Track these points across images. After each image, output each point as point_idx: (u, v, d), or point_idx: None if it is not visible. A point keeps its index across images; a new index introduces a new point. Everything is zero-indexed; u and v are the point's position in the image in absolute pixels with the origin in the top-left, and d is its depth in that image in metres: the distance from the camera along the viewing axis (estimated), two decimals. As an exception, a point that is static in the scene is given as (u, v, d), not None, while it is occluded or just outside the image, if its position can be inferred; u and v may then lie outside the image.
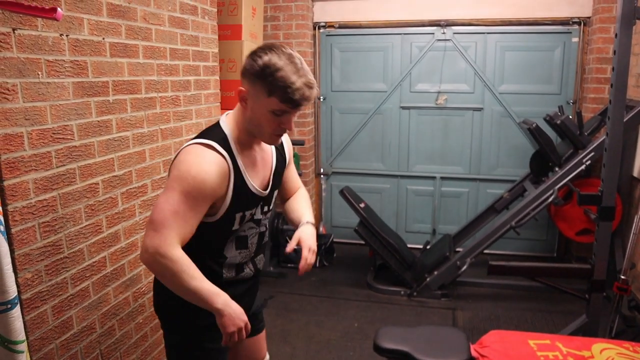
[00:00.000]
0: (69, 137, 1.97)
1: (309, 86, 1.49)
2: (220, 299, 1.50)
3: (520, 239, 4.56)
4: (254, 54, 1.51)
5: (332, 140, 5.15)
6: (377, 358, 3.01)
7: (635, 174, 3.79)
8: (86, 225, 2.08)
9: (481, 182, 4.88)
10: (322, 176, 5.18)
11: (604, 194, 2.73)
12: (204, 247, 1.65)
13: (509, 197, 4.37)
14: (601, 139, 3.62)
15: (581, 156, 3.62)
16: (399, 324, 3.44)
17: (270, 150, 1.77)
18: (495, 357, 2.27)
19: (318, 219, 5.27)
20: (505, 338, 2.43)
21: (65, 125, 1.95)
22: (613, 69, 2.63)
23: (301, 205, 1.92)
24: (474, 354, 2.32)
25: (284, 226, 4.35)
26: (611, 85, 2.66)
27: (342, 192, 4.12)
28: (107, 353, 2.26)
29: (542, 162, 4.05)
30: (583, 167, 3.61)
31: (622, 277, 3.13)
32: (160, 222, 1.46)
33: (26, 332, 1.75)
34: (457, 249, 4.24)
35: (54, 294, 1.93)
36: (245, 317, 1.56)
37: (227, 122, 1.63)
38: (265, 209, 1.78)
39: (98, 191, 2.14)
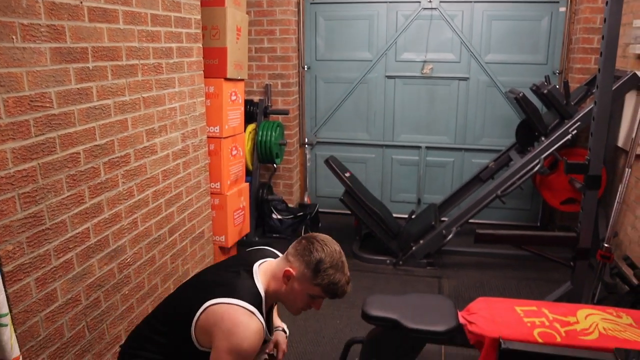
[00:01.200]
0: (47, 105, 1.89)
1: (348, 282, 1.78)
2: None
3: (504, 208, 4.60)
4: (312, 245, 1.73)
5: (317, 110, 5.09)
6: (364, 326, 3.03)
7: (619, 144, 3.82)
8: (68, 196, 2.02)
9: (466, 152, 4.89)
10: (306, 146, 5.13)
11: (591, 162, 2.75)
12: None
13: (494, 166, 4.38)
14: (588, 109, 3.63)
15: (567, 126, 3.63)
16: (386, 293, 3.45)
17: None
18: (483, 323, 2.29)
19: (303, 189, 5.25)
20: (492, 305, 2.46)
21: (44, 93, 1.87)
22: (603, 37, 2.60)
23: (275, 316, 2.14)
24: (461, 320, 2.35)
25: (269, 196, 4.32)
26: (600, 54, 2.64)
27: (327, 162, 4.09)
28: (93, 325, 2.23)
29: (528, 132, 4.05)
30: (569, 136, 3.62)
31: (606, 245, 3.19)
32: None
33: (9, 305, 1.71)
34: (443, 219, 4.26)
35: (36, 266, 1.88)
36: None
37: (262, 283, 1.76)
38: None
39: (79, 161, 2.08)
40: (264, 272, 1.80)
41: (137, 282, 2.55)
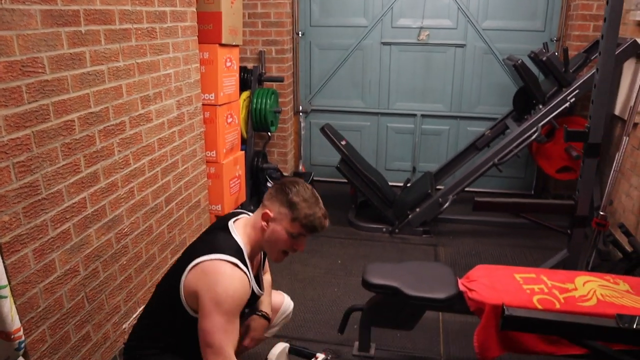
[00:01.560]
0: (39, 71, 1.82)
1: (325, 216, 1.81)
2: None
3: (498, 177, 4.59)
4: (284, 186, 1.79)
5: (311, 77, 5.00)
6: (362, 293, 3.04)
7: (616, 112, 3.81)
8: (63, 165, 1.97)
9: (462, 120, 4.85)
10: (300, 114, 5.06)
11: (591, 130, 2.73)
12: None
13: (490, 134, 4.36)
14: (587, 76, 3.59)
15: (565, 93, 3.60)
16: (383, 261, 3.46)
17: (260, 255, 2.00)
18: (483, 290, 2.30)
19: (297, 157, 5.21)
20: (492, 272, 2.47)
21: (35, 58, 1.80)
22: (607, 2, 2.55)
23: (266, 295, 2.13)
24: (461, 288, 2.36)
25: (264, 165, 4.28)
26: (604, 20, 2.59)
27: (322, 129, 4.04)
28: (92, 295, 2.21)
29: (525, 100, 4.02)
30: (567, 104, 3.60)
31: (601, 213, 3.20)
32: (218, 345, 1.66)
33: (8, 277, 1.68)
34: (438, 187, 4.26)
35: (34, 237, 1.85)
36: None
37: (240, 235, 1.81)
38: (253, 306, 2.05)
39: (74, 129, 2.02)
40: (240, 226, 1.85)
41: (134, 252, 2.53)
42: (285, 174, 4.71)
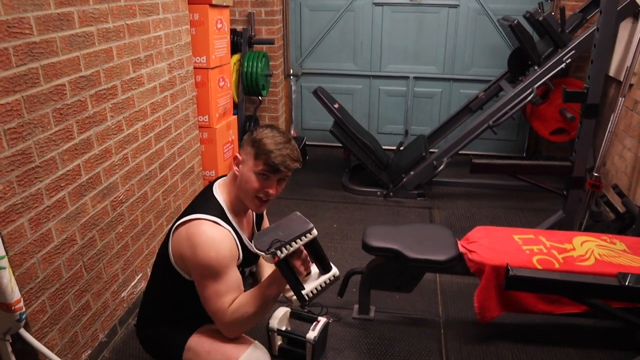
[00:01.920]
0: (27, 32, 1.73)
1: (293, 158, 1.68)
2: (272, 291, 1.69)
3: (491, 139, 4.59)
4: (255, 129, 1.74)
5: (302, 40, 4.89)
6: (359, 257, 3.06)
7: (611, 73, 3.78)
8: (56, 132, 1.90)
9: (455, 82, 4.80)
10: (291, 77, 4.97)
11: (590, 90, 2.71)
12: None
13: (484, 96, 4.33)
14: (583, 37, 3.55)
15: (562, 54, 3.57)
16: (378, 224, 3.46)
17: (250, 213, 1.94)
18: (483, 252, 2.32)
19: (288, 121, 5.14)
20: (491, 233, 2.48)
21: (22, 18, 1.70)
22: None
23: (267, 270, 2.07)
24: (461, 249, 2.37)
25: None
26: (605, -24, 2.54)
27: (315, 92, 3.97)
28: (90, 264, 2.18)
29: (520, 61, 3.97)
30: (563, 65, 3.57)
31: (595, 174, 3.21)
32: (217, 308, 1.67)
33: (5, 248, 1.63)
34: (431, 150, 4.24)
35: (29, 206, 1.79)
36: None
37: (220, 192, 1.78)
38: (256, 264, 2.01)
39: (65, 93, 1.94)
40: (223, 183, 1.82)
41: (130, 220, 2.48)
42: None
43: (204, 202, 1.75)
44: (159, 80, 2.66)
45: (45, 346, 1.86)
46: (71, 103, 1.98)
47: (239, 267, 1.77)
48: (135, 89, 2.45)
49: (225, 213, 1.74)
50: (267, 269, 2.06)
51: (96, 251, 2.21)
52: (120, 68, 2.29)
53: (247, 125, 4.20)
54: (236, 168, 1.74)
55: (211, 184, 1.85)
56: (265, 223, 2.13)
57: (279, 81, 4.80)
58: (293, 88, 5.00)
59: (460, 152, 3.95)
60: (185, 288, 1.77)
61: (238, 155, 1.74)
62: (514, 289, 1.83)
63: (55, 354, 1.92)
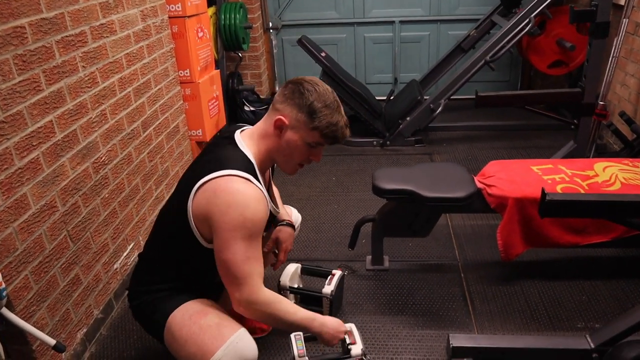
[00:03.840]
0: (-29, -38, 1.47)
1: (347, 125, 1.56)
2: (317, 322, 1.60)
3: (483, 81, 4.39)
4: (301, 87, 1.50)
5: (279, -11, 4.60)
6: (364, 207, 2.89)
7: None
8: (20, 82, 1.65)
9: (442, 24, 4.58)
10: (271, 31, 4.68)
11: (599, 7, 2.52)
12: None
13: (476, 34, 4.12)
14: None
15: (558, -23, 3.36)
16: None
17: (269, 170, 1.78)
18: (503, 185, 2.15)
19: (271, 78, 4.88)
20: (507, 166, 2.32)
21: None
22: None
23: (278, 200, 1.97)
24: (479, 185, 2.20)
25: (240, 86, 3.96)
26: None
27: (300, 41, 3.72)
28: (76, 234, 1.96)
29: (513, -8, 3.77)
30: (561, -11, 3.36)
31: (600, 102, 3.05)
32: (241, 275, 1.45)
33: (-26, 214, 1.40)
34: (425, 97, 4.04)
35: (-3, 168, 1.56)
36: (343, 327, 1.67)
37: (248, 146, 1.56)
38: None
39: (26, 37, 1.68)
40: (248, 136, 1.59)
41: (116, 184, 2.25)
42: (262, 96, 4.39)
43: (233, 156, 1.51)
44: (132, 29, 2.40)
45: (34, 326, 1.65)
46: (35, 49, 1.72)
47: None
48: (107, 36, 2.18)
49: (255, 171, 1.51)
50: (280, 208, 1.96)
51: (81, 219, 1.99)
52: (87, 12, 2.02)
53: (230, 82, 3.94)
54: (278, 132, 1.53)
55: (230, 132, 1.60)
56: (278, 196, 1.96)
57: (259, 35, 4.51)
58: (274, 42, 4.72)
59: (452, 97, 3.77)
60: (198, 257, 1.56)
61: (284, 118, 1.50)
62: (551, 215, 1.66)
63: (47, 334, 1.70)
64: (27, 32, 1.68)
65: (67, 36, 1.90)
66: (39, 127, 1.74)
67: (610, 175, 2.22)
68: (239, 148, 1.53)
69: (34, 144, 1.72)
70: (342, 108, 1.55)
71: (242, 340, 1.50)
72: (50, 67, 1.80)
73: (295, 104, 1.49)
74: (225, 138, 1.60)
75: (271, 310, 1.51)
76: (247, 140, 1.57)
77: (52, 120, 1.81)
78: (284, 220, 1.92)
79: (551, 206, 1.57)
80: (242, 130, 1.62)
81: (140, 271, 1.72)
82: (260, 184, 1.50)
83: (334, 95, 1.54)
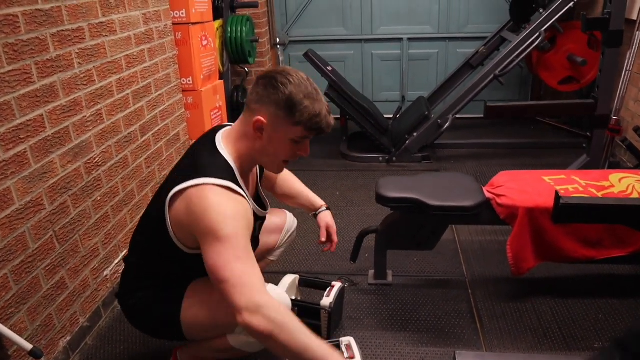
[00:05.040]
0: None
1: (329, 111, 1.47)
2: (334, 358, 1.26)
3: (492, 101, 4.30)
4: (274, 80, 1.39)
5: (287, 6, 4.58)
6: (367, 222, 2.78)
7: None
8: (10, 71, 1.59)
9: (451, 42, 4.53)
10: (278, 47, 4.66)
11: (613, 15, 2.45)
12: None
13: (485, 51, 4.06)
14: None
15: (569, -8, 3.30)
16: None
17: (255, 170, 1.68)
18: (513, 194, 2.04)
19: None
20: (517, 177, 2.22)
21: None
22: None
23: (303, 188, 1.97)
24: (487, 195, 2.09)
25: (244, 100, 3.90)
26: None
27: (306, 55, 3.68)
28: (63, 235, 1.87)
29: (523, 8, 3.72)
30: (571, 4, 3.29)
31: (614, 117, 2.96)
32: (236, 275, 1.26)
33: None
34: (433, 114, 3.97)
35: (-20, 159, 1.48)
36: None
37: (227, 149, 1.46)
38: (260, 228, 1.71)
39: (19, 27, 1.62)
40: (227, 138, 1.50)
41: (110, 187, 2.17)
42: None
43: (210, 161, 1.42)
44: (133, 31, 2.35)
45: (11, 329, 1.55)
46: (27, 40, 1.66)
47: None
48: (107, 35, 2.13)
49: (236, 176, 1.43)
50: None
51: (70, 220, 1.90)
52: (86, 8, 1.98)
53: (235, 95, 3.89)
54: (259, 134, 1.43)
55: (212, 134, 1.52)
56: (270, 176, 1.87)
57: (266, 51, 4.48)
58: (281, 58, 4.69)
59: (460, 115, 3.69)
60: (181, 261, 1.49)
61: (262, 118, 1.40)
62: (565, 221, 1.56)
63: (26, 339, 1.60)
64: (20, 22, 1.63)
65: (63, 30, 1.84)
66: (27, 120, 1.67)
67: (627, 186, 2.11)
68: (218, 152, 1.45)
69: (22, 136, 1.65)
70: (321, 95, 1.44)
71: (274, 291, 1.44)
72: (43, 59, 1.74)
73: (271, 101, 1.39)
74: (206, 140, 1.52)
75: (284, 319, 1.24)
76: (227, 143, 1.48)
77: (42, 115, 1.74)
78: (321, 207, 1.95)
79: (565, 210, 1.47)
80: (222, 133, 1.53)
81: (127, 273, 1.64)
82: (241, 187, 1.42)
83: (311, 81, 1.43)
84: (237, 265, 1.27)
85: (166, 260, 1.53)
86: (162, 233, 1.44)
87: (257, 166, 1.68)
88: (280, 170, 1.59)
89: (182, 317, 1.51)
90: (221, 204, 1.32)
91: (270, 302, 1.25)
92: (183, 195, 1.37)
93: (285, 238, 2.00)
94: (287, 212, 2.04)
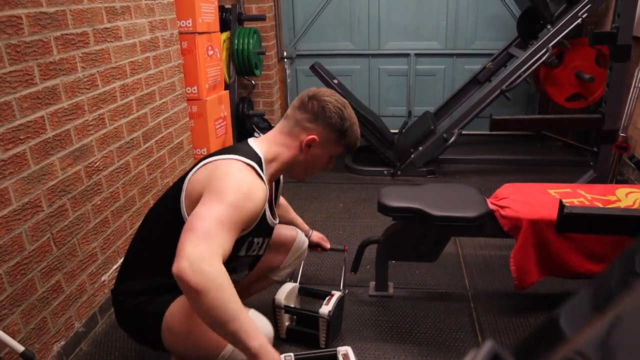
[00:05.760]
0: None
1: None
2: (259, 338, 1.21)
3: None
4: (330, 105, 1.52)
5: (295, 20, 4.61)
6: (369, 235, 2.74)
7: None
8: (11, 72, 1.59)
9: (458, 58, 4.53)
10: (285, 60, 4.68)
11: (620, 30, 2.43)
12: None
13: (493, 67, 4.05)
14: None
15: (577, 9, 3.29)
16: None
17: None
18: (517, 206, 2.01)
19: (284, 106, 4.84)
20: (522, 189, 2.19)
21: None
22: None
23: (296, 215, 2.14)
24: (491, 207, 2.06)
25: (250, 111, 3.91)
26: None
27: (312, 67, 3.69)
28: (61, 238, 1.85)
29: (530, 24, 3.72)
30: (579, 20, 3.28)
31: (621, 134, 2.93)
32: (205, 230, 1.21)
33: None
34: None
35: (-22, 157, 1.48)
36: None
37: (259, 148, 1.52)
38: (266, 242, 1.68)
39: (22, 29, 1.63)
40: (260, 141, 1.57)
41: (110, 192, 2.16)
42: (273, 124, 4.34)
43: (243, 147, 1.51)
44: (138, 38, 2.37)
45: (4, 331, 1.53)
46: (30, 42, 1.67)
47: (247, 235, 1.45)
48: (111, 41, 2.14)
49: (263, 165, 1.48)
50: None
51: (68, 223, 1.89)
52: (91, 13, 1.99)
53: (241, 107, 3.90)
54: (306, 149, 1.54)
55: (244, 140, 1.59)
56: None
57: (272, 64, 4.50)
58: (287, 72, 4.71)
59: (465, 132, 3.67)
60: None
61: (316, 137, 1.53)
62: (569, 230, 1.52)
63: (19, 342, 1.58)
64: (24, 23, 1.64)
65: (67, 34, 1.85)
66: (28, 121, 1.67)
67: (633, 201, 2.07)
68: (250, 147, 1.52)
69: (21, 137, 1.65)
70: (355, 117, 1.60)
71: (257, 318, 1.35)
72: (46, 62, 1.75)
73: (327, 124, 1.52)
74: (237, 144, 1.62)
75: (221, 282, 1.17)
76: (259, 143, 1.55)
77: (43, 116, 1.74)
78: (309, 230, 2.15)
79: (570, 220, 1.44)
80: (254, 138, 1.60)
81: (123, 275, 1.60)
82: (265, 180, 1.45)
83: (350, 107, 1.59)
84: (214, 225, 1.22)
85: (170, 251, 1.46)
86: (174, 213, 1.43)
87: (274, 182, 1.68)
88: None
89: (165, 319, 1.44)
90: (242, 180, 1.35)
91: (217, 265, 1.18)
92: (210, 163, 1.42)
93: (293, 258, 1.96)
94: (297, 229, 2.00)
